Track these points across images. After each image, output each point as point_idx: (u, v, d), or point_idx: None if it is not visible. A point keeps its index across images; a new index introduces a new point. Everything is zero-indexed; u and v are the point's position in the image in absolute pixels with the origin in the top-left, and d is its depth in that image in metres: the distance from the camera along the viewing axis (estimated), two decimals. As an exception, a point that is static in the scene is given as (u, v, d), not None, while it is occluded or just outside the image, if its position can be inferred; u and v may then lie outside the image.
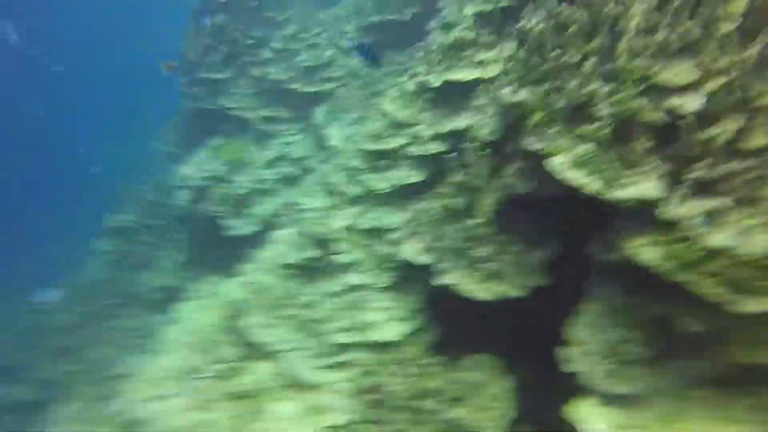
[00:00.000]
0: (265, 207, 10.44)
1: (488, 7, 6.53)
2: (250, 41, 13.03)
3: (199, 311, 9.06)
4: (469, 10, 6.93)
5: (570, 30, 4.33)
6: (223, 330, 7.79)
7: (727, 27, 3.68)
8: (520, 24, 5.41)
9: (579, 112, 4.23)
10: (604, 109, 3.99)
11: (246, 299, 7.49)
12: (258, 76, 12.45)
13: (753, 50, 3.40)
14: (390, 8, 11.36)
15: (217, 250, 12.62)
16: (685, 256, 3.26)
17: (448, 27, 8.67)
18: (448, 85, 6.41)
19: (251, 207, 10.76)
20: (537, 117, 4.44)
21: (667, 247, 3.40)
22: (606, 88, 4.03)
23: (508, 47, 6.23)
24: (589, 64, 4.13)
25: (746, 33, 3.62)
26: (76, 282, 16.36)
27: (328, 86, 11.23)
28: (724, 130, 3.33)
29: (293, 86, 11.47)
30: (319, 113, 10.79)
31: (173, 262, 13.31)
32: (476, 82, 6.07)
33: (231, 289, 8.59)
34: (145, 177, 17.08)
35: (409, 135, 6.67)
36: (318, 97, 11.30)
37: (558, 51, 4.36)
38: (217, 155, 12.36)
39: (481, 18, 6.75)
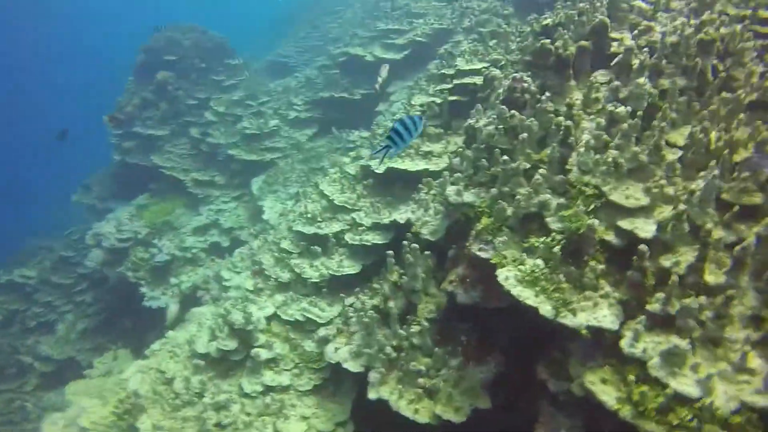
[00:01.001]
0: (186, 278, 9.45)
1: (437, 100, 6.46)
2: (193, 102, 12.57)
3: (91, 398, 7.74)
4: (418, 100, 6.86)
5: (520, 137, 4.17)
6: (114, 428, 6.59)
7: (670, 156, 3.63)
8: (469, 122, 5.29)
9: (528, 223, 3.97)
10: (554, 223, 3.74)
11: (146, 391, 6.41)
12: (196, 138, 11.86)
13: (699, 183, 3.30)
14: (340, 87, 11.35)
15: (126, 319, 11.26)
16: (643, 402, 2.89)
17: (395, 114, 8.66)
18: (391, 173, 6.13)
19: (171, 276, 9.73)
20: (484, 222, 4.13)
21: (624, 387, 3.03)
22: (556, 201, 3.81)
23: (454, 142, 6.12)
24: (539, 174, 3.92)
25: (687, 165, 3.58)
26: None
27: (268, 156, 10.80)
28: (678, 261, 3.12)
29: (232, 152, 10.94)
30: (256, 183, 10.24)
31: (72, 329, 11.65)
32: (421, 173, 5.81)
33: (131, 373, 7.41)
34: (59, 230, 15.51)
35: (346, 221, 6.23)
36: (257, 167, 10.80)
37: (507, 156, 4.16)
38: (142, 215, 11.36)
39: (429, 109, 6.66)
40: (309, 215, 6.45)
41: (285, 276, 6.21)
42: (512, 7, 10.06)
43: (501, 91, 4.99)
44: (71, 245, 13.61)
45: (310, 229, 6.29)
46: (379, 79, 9.65)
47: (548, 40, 4.54)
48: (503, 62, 6.19)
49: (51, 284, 13.00)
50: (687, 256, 3.15)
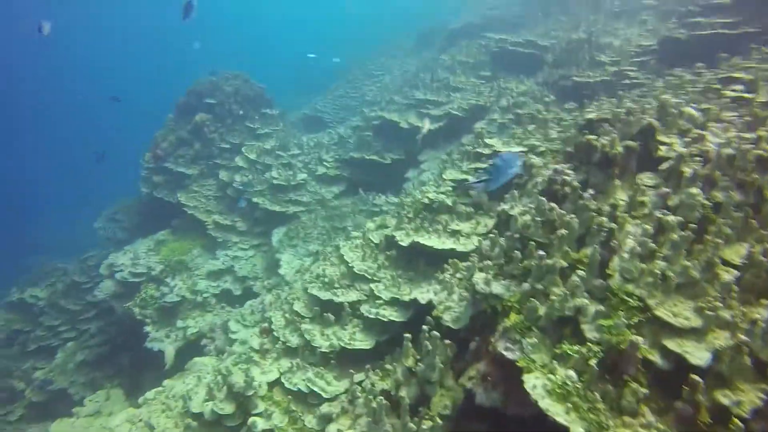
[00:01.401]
0: (193, 323, 9.19)
1: (470, 178, 6.36)
2: (226, 145, 12.80)
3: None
4: (450, 175, 6.78)
5: (559, 232, 3.97)
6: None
7: (725, 276, 3.37)
8: (503, 206, 5.13)
9: (562, 326, 3.69)
10: (591, 332, 3.46)
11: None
12: (224, 181, 11.95)
13: (762, 312, 3.02)
14: (371, 149, 11.45)
15: (126, 355, 10.96)
16: None
17: (424, 184, 8.60)
18: (416, 247, 5.94)
19: (178, 319, 9.49)
20: (513, 319, 3.87)
21: None
22: (594, 308, 3.55)
23: (484, 224, 5.95)
24: (577, 276, 3.69)
25: (745, 288, 3.31)
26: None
27: (292, 209, 10.76)
28: (740, 402, 2.79)
29: (257, 200, 10.95)
30: (276, 235, 10.15)
31: (70, 359, 11.34)
32: (447, 253, 5.61)
33: (120, 421, 7.03)
34: (77, 254, 15.59)
35: (364, 291, 5.99)
36: (280, 218, 10.74)
37: (543, 251, 3.95)
38: (159, 250, 11.30)
39: (460, 186, 6.56)
40: (326, 279, 6.24)
41: (294, 340, 5.93)
42: (548, 91, 10.21)
43: (540, 180, 4.85)
44: (86, 271, 13.58)
45: (325, 295, 6.06)
46: (423, 131, 9.75)
47: (594, 136, 4.44)
48: (542, 149, 6.12)
49: (59, 308, 12.86)
50: (751, 396, 2.82)
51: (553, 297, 3.76)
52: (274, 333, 6.29)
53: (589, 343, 3.43)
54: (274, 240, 10.04)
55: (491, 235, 4.89)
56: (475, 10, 18.12)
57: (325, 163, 11.81)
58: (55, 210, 31.53)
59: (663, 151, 4.21)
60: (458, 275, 5.06)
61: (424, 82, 12.36)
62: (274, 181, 11.09)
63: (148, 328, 9.32)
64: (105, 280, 10.57)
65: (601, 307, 3.56)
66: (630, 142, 4.25)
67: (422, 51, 19.48)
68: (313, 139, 13.49)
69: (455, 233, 5.84)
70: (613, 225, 3.78)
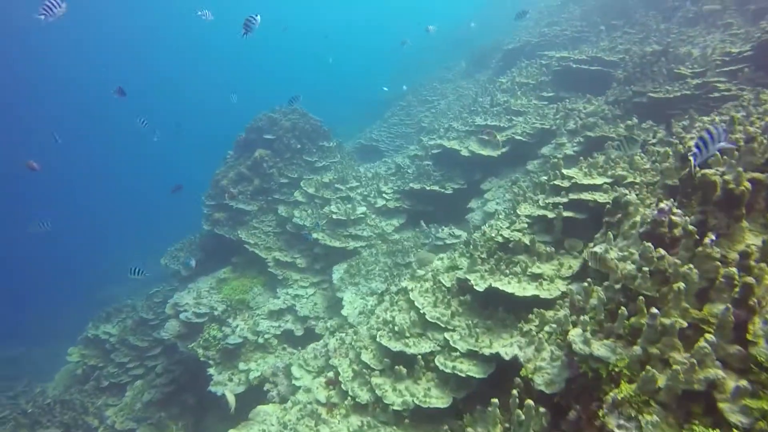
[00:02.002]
0: (255, 366, 9.00)
1: (548, 214, 5.79)
2: (284, 180, 12.83)
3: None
4: (525, 210, 6.23)
5: (675, 286, 3.36)
6: None
7: None
8: (594, 249, 4.54)
9: (689, 403, 3.06)
10: (734, 414, 2.82)
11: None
12: (283, 217, 11.91)
13: None
14: (431, 179, 11.06)
15: (191, 396, 10.95)
16: None
17: (492, 218, 8.06)
18: (492, 293, 5.42)
19: (240, 361, 9.35)
20: (624, 389, 3.28)
21: None
22: (734, 383, 2.90)
23: (568, 265, 5.35)
24: (705, 341, 3.06)
25: None
26: (26, 390, 14.84)
27: (352, 244, 10.49)
28: None
29: (316, 236, 10.77)
30: (337, 272, 9.88)
31: (138, 398, 11.50)
32: (528, 300, 5.05)
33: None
34: (144, 290, 16.14)
35: (438, 342, 5.52)
36: (340, 253, 10.50)
37: (655, 309, 3.35)
38: (221, 288, 11.35)
39: (538, 223, 6.00)
40: (396, 327, 5.81)
41: (364, 396, 5.51)
42: (620, 110, 9.46)
43: (639, 219, 4.24)
44: (152, 307, 13.93)
45: (396, 345, 5.63)
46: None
47: (712, 171, 3.80)
48: (630, 179, 5.47)
49: (128, 345, 13.20)
50: None
51: (675, 365, 3.15)
52: (342, 385, 5.90)
53: (734, 429, 2.79)
54: (334, 277, 9.77)
55: (585, 283, 4.31)
56: (531, 28, 17.57)
57: (384, 194, 11.53)
58: (127, 240, 33.15)
59: (800, 184, 3.52)
60: (546, 328, 4.49)
61: (484, 107, 11.90)
62: (334, 216, 10.90)
63: (211, 371, 9.23)
64: (170, 320, 10.68)
65: (744, 383, 2.91)
66: (758, 175, 3.60)
67: (476, 73, 19.09)
68: (370, 170, 13.30)
69: (536, 277, 5.28)
70: (749, 278, 3.14)
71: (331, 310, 9.68)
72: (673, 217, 3.83)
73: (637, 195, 4.59)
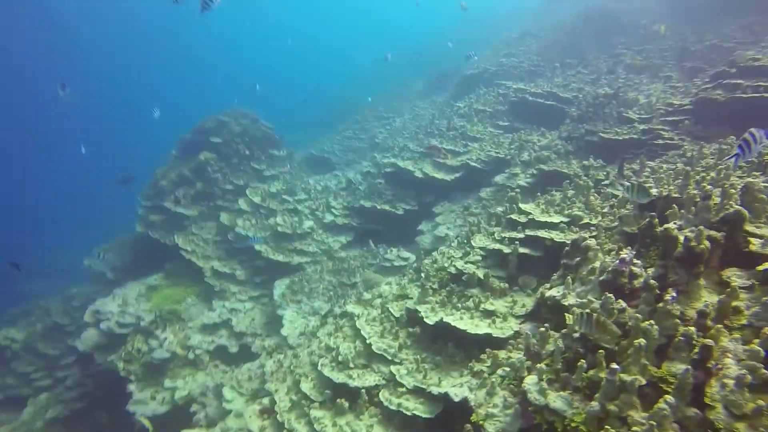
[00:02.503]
0: (182, 384, 8.32)
1: (504, 249, 5.71)
2: (229, 186, 12.20)
3: None
4: (480, 242, 6.12)
5: (636, 342, 3.29)
6: None
7: None
8: (550, 293, 4.46)
9: (648, 468, 2.95)
10: (691, 485, 2.73)
11: None
12: (225, 225, 11.28)
13: None
14: (383, 198, 10.86)
15: (104, 413, 10.00)
16: None
17: (443, 243, 7.94)
18: (442, 327, 5.23)
19: (166, 378, 8.61)
20: (581, 449, 3.14)
21: None
22: (694, 451, 2.83)
23: (522, 303, 5.26)
24: (664, 402, 2.99)
25: None
26: None
27: (297, 259, 10.06)
28: None
29: (259, 248, 10.25)
30: (279, 288, 9.41)
31: (40, 414, 10.34)
32: (480, 338, 4.89)
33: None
34: (61, 291, 14.76)
35: (383, 375, 5.24)
36: (282, 268, 10.02)
37: (615, 364, 3.26)
38: (150, 297, 10.51)
39: (492, 256, 5.91)
40: (340, 357, 5.49)
41: (301, 430, 5.12)
42: (572, 146, 9.73)
43: (598, 266, 4.20)
44: (69, 312, 12.72)
45: (339, 376, 5.30)
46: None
47: (674, 226, 3.80)
48: (588, 221, 5.49)
49: (35, 352, 11.92)
50: None
51: (634, 426, 3.05)
52: (278, 416, 5.48)
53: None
54: (275, 293, 9.29)
55: (541, 328, 4.20)
56: (490, 57, 17.96)
57: (333, 210, 11.19)
58: (57, 230, 30.53)
59: (756, 245, 3.58)
60: (499, 371, 4.33)
61: (440, 129, 11.91)
62: (279, 228, 10.43)
63: (131, 387, 8.45)
64: (89, 329, 9.74)
65: (703, 451, 2.84)
66: (714, 233, 3.63)
67: (433, 94, 19.24)
68: (320, 183, 12.93)
69: (489, 314, 5.15)
70: (707, 340, 3.11)
71: (270, 327, 9.17)
72: (633, 268, 3.80)
73: (595, 239, 4.58)
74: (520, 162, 9.92)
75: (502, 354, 4.67)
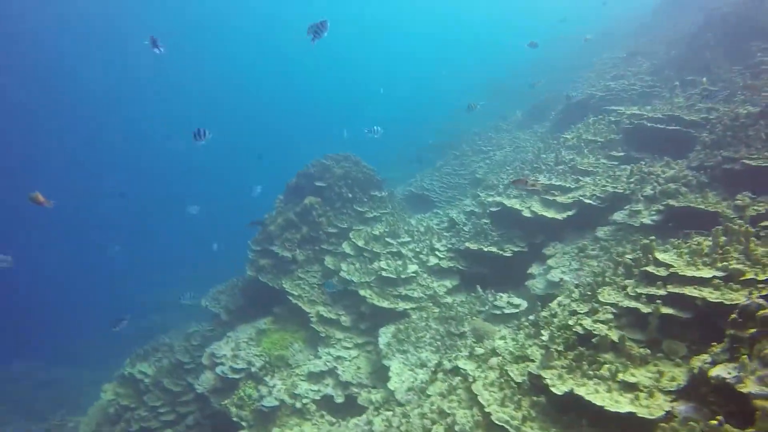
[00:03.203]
0: (288, 435, 8.33)
1: (642, 308, 4.96)
2: (333, 230, 12.41)
3: None
4: (610, 298, 5.41)
5: None
6: None
7: None
8: (717, 371, 3.70)
9: None
10: None
11: None
12: (330, 269, 11.42)
13: None
14: (489, 239, 10.34)
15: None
16: None
17: (556, 288, 7.22)
18: (572, 400, 4.59)
19: (275, 426, 8.69)
20: None
21: None
22: None
23: (670, 375, 4.47)
24: None
25: None
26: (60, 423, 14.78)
27: (402, 305, 9.81)
28: None
29: (363, 293, 10.18)
30: (384, 336, 9.19)
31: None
32: (623, 416, 4.19)
33: None
34: (182, 329, 15.96)
35: (507, 452, 4.69)
36: (387, 315, 9.83)
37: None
38: (260, 341, 10.85)
39: (626, 315, 5.17)
40: (457, 428, 5.04)
41: None
42: (706, 177, 8.53)
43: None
44: (189, 350, 13.60)
45: (456, 452, 4.85)
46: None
47: None
48: (751, 276, 4.60)
49: (161, 388, 12.83)
50: None
51: None
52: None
53: None
54: (381, 342, 9.08)
55: (705, 409, 3.45)
56: (594, 80, 16.88)
57: (437, 252, 10.87)
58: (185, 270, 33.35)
59: None
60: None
61: (547, 164, 11.20)
62: (383, 273, 10.30)
63: (244, 436, 8.61)
64: (206, 372, 10.22)
65: None
66: None
67: (533, 124, 18.46)
68: (422, 223, 12.73)
69: (630, 386, 4.42)
70: None
71: (376, 376, 8.95)
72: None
73: (773, 308, 3.75)
74: (642, 197, 8.92)
75: (653, 440, 3.94)
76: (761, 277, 4.61)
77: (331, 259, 11.69)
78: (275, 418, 8.82)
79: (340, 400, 8.88)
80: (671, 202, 8.10)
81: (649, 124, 10.89)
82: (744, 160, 8.09)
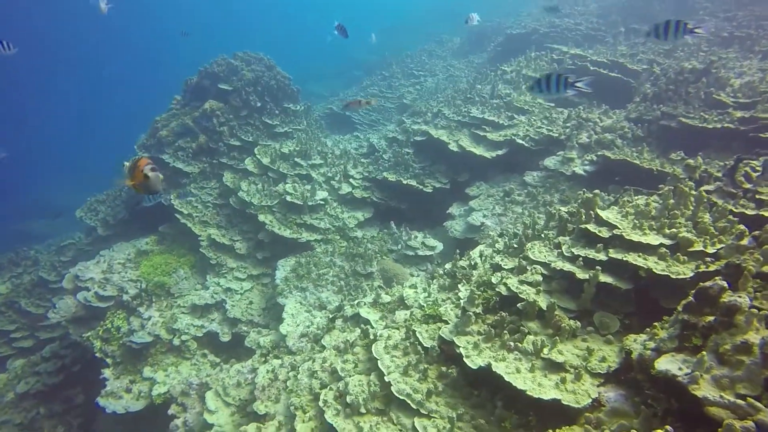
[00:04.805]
0: (163, 378, 7.21)
1: (578, 273, 4.25)
2: (236, 142, 10.74)
3: None
4: (540, 256, 4.66)
5: None
6: None
7: None
8: (663, 364, 3.05)
9: None
10: None
11: None
12: (228, 187, 9.92)
13: None
14: (410, 172, 9.37)
15: (80, 392, 8.96)
16: None
17: (476, 233, 6.50)
18: (484, 375, 3.88)
19: (147, 365, 7.51)
20: None
21: None
22: None
23: (600, 355, 3.86)
24: None
25: None
26: None
27: (305, 236, 8.71)
28: None
29: (262, 218, 8.91)
30: (282, 269, 8.12)
31: (10, 386, 9.25)
32: (540, 403, 3.53)
33: None
34: (52, 242, 13.79)
35: (401, 428, 3.94)
36: (289, 245, 8.71)
37: None
38: (139, 263, 9.32)
39: (558, 278, 4.47)
40: (349, 398, 4.19)
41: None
42: (643, 132, 8.06)
43: (757, 342, 2.76)
44: (56, 267, 11.71)
45: (345, 427, 4.02)
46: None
47: None
48: (700, 249, 3.99)
49: (18, 310, 10.98)
50: None
51: None
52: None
53: None
54: (278, 276, 8.02)
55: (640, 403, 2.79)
56: (538, 15, 15.86)
57: (351, 180, 9.73)
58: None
59: None
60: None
61: (482, 96, 10.21)
62: (288, 198, 9.03)
63: (106, 373, 7.36)
64: (65, 297, 8.61)
65: None
66: None
67: (471, 54, 17.29)
68: (339, 145, 11.42)
69: (556, 366, 3.76)
70: None
71: (269, 314, 7.96)
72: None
73: (746, 296, 3.10)
74: (577, 144, 8.31)
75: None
76: (710, 250, 4.04)
77: (231, 175, 10.15)
78: (147, 355, 7.61)
79: (226, 338, 7.83)
80: (607, 153, 7.54)
81: (592, 68, 10.20)
82: (681, 118, 7.64)
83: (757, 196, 4.83)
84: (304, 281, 7.82)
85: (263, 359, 6.34)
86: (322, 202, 9.21)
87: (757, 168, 5.14)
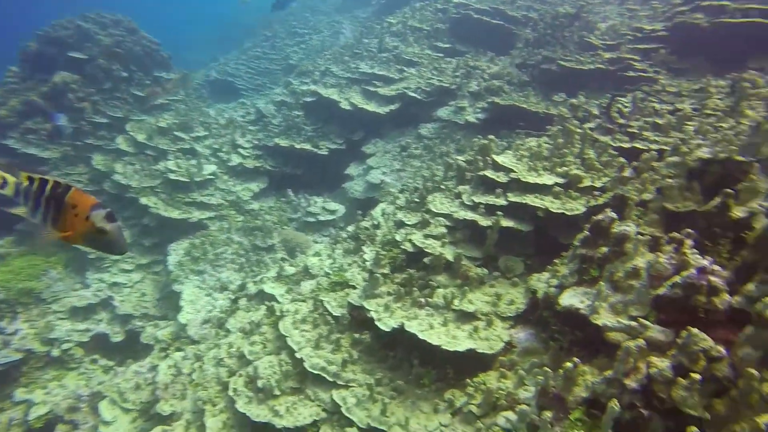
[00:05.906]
0: (42, 397, 6.30)
1: (481, 221, 4.24)
2: (103, 119, 9.46)
3: None
4: (442, 207, 4.60)
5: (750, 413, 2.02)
6: None
7: None
8: (567, 299, 3.11)
9: None
10: None
11: None
12: (100, 171, 8.76)
13: None
14: (302, 135, 8.92)
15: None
16: None
17: (376, 191, 6.36)
18: (402, 336, 3.79)
19: (19, 387, 6.50)
20: None
21: None
22: None
23: (508, 298, 3.91)
24: None
25: None
26: None
27: (197, 215, 8.00)
28: None
29: (145, 201, 8.01)
30: (175, 254, 7.41)
31: None
32: (457, 356, 3.51)
33: None
34: None
35: (321, 404, 3.75)
36: (179, 227, 7.95)
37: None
38: (-3, 267, 7.99)
39: (461, 227, 4.44)
40: (260, 383, 3.89)
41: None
42: (527, 76, 8.34)
43: (643, 266, 2.87)
44: None
45: (259, 413, 3.74)
46: None
47: (761, 209, 2.51)
48: (590, 184, 4.14)
49: None
50: None
51: None
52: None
53: None
54: (171, 262, 7.30)
55: (569, 365, 2.83)
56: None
57: (241, 150, 9.05)
58: None
59: None
60: (500, 421, 2.99)
61: (370, 50, 9.90)
62: (172, 176, 8.18)
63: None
64: None
65: None
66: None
67: (355, 8, 16.72)
68: (223, 114, 10.54)
69: (467, 316, 3.75)
70: None
71: (165, 305, 7.27)
72: (713, 280, 2.49)
73: (633, 225, 3.22)
74: (467, 93, 8.38)
75: (492, 381, 3.35)
76: (597, 184, 4.22)
77: (102, 157, 8.96)
78: (19, 375, 6.60)
79: (118, 338, 7.03)
80: (496, 99, 7.66)
81: (476, 16, 10.22)
82: (560, 61, 7.95)
83: (628, 130, 5.13)
84: (201, 263, 7.21)
85: (164, 354, 5.77)
86: (211, 177, 8.48)
87: (627, 104, 5.45)
